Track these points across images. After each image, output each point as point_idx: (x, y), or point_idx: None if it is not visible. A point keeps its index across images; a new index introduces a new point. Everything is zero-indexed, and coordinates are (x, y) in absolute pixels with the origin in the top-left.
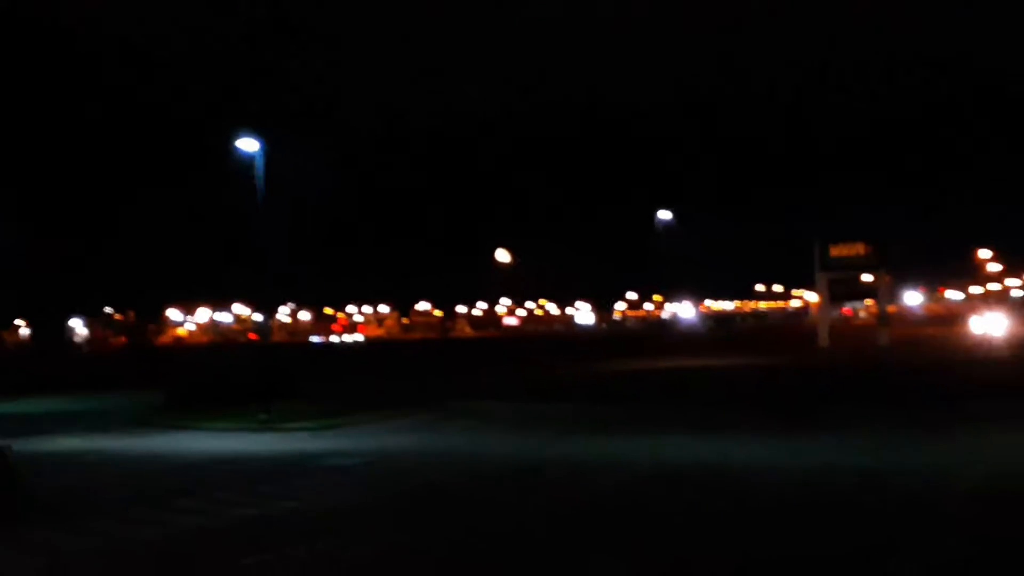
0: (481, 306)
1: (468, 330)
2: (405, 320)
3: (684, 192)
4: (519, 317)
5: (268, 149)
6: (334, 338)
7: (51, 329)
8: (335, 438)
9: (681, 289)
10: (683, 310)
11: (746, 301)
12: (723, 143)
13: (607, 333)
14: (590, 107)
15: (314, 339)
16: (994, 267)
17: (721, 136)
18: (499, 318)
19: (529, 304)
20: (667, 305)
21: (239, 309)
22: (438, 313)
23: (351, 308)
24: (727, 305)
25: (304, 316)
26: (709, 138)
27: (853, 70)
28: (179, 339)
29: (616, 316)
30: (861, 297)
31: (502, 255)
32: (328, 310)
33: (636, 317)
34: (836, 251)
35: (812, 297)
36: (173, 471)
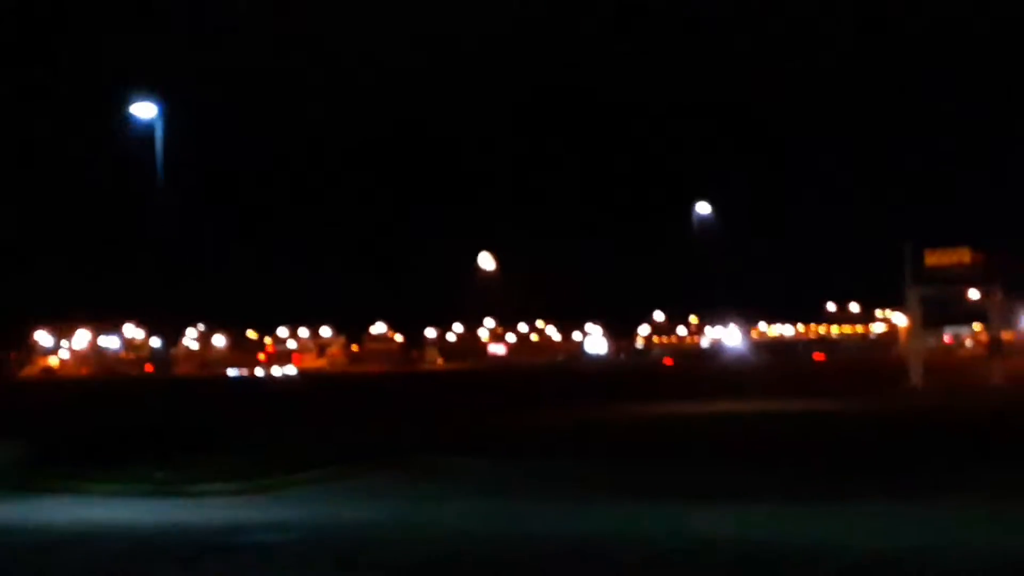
0: (457, 329)
1: (439, 361)
2: (355, 347)
3: (729, 181)
4: (508, 344)
5: (170, 115)
6: (259, 371)
7: None
8: (260, 506)
9: (726, 309)
10: (728, 336)
11: (812, 324)
12: (781, 116)
13: (626, 366)
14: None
15: (232, 372)
16: None
17: (780, 108)
18: (482, 345)
19: (522, 326)
20: (707, 329)
21: (131, 331)
22: (399, 338)
23: (282, 331)
24: (786, 330)
25: (219, 341)
26: (761, 109)
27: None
28: (49, 371)
29: (638, 343)
30: (966, 320)
31: (486, 261)
32: (251, 334)
33: (665, 345)
34: (933, 259)
35: (901, 320)
36: (35, 552)
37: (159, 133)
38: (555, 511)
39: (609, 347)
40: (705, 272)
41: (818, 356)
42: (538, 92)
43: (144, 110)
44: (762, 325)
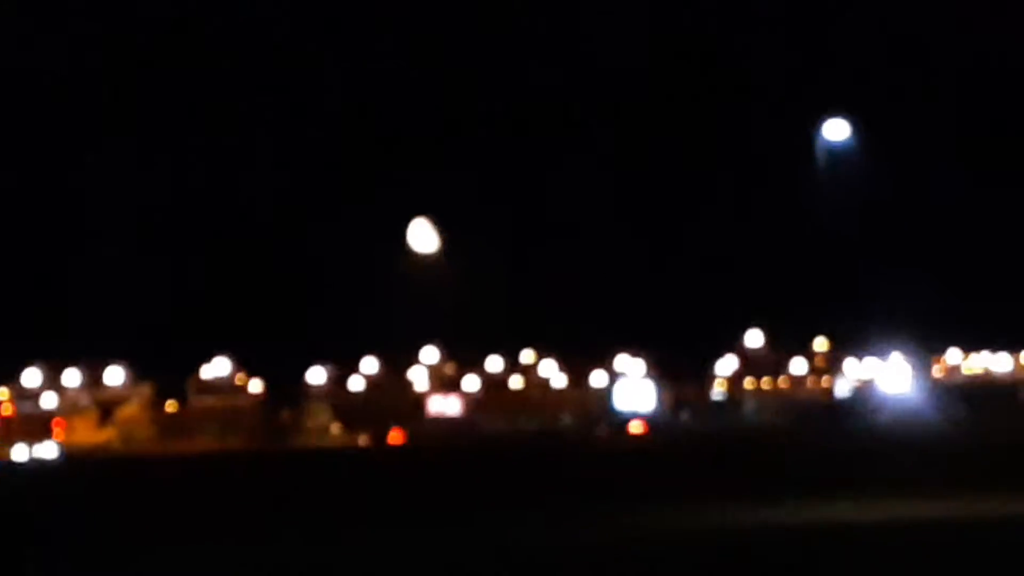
0: (369, 369)
1: (334, 429)
2: (171, 405)
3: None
4: (466, 395)
5: None
6: None
7: None
8: None
9: (883, 325)
10: (889, 375)
11: None
12: None
13: (692, 433)
14: None
15: None
16: None
17: None
18: (414, 398)
19: (494, 361)
20: (848, 364)
21: None
22: (256, 387)
23: (32, 375)
24: (1000, 362)
25: None
26: None
27: None
28: None
29: (716, 391)
30: None
31: (421, 236)
32: None
33: (767, 392)
34: None
35: None
36: None
37: None
38: None
39: (661, 399)
40: (843, 254)
41: None
42: None
43: None
44: (953, 355)
